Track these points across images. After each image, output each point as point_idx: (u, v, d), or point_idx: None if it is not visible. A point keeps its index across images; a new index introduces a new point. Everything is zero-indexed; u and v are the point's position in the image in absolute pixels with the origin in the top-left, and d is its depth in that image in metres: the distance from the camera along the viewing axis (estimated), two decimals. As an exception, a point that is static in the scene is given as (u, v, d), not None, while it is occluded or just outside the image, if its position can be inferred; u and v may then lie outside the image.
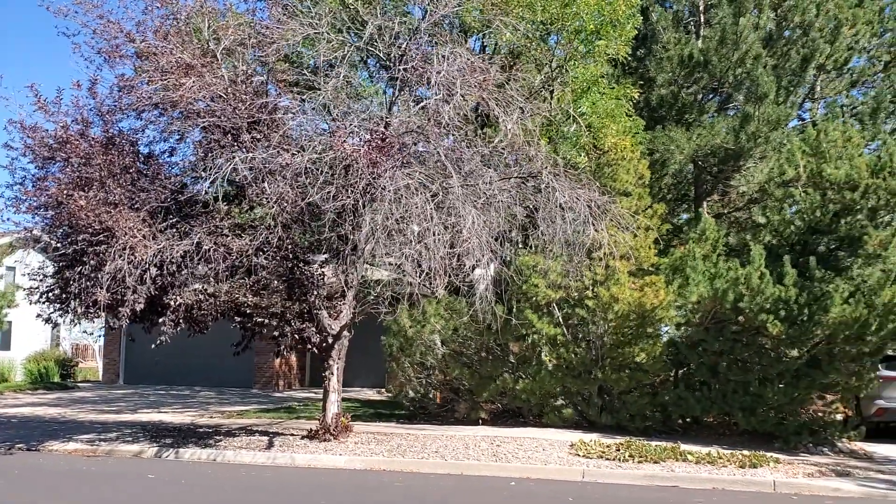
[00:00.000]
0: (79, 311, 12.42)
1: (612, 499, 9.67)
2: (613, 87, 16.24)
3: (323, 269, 12.85)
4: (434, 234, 11.37)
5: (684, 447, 12.07)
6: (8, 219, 12.50)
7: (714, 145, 16.04)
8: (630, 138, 14.96)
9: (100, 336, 33.97)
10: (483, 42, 15.90)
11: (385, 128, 12.25)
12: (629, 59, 15.88)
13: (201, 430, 14.78)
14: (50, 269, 13.41)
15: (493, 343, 15.67)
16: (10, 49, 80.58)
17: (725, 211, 18.89)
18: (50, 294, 12.50)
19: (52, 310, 12.59)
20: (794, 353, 13.73)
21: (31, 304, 13.52)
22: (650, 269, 14.98)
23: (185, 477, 10.73)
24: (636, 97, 15.90)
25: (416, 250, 11.75)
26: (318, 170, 11.65)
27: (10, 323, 26.34)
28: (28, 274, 13.56)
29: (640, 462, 11.31)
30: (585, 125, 15.00)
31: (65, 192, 11.32)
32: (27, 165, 13.12)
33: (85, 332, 35.75)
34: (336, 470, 11.46)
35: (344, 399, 22.32)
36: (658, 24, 16.95)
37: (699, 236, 14.38)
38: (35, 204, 12.29)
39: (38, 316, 12.60)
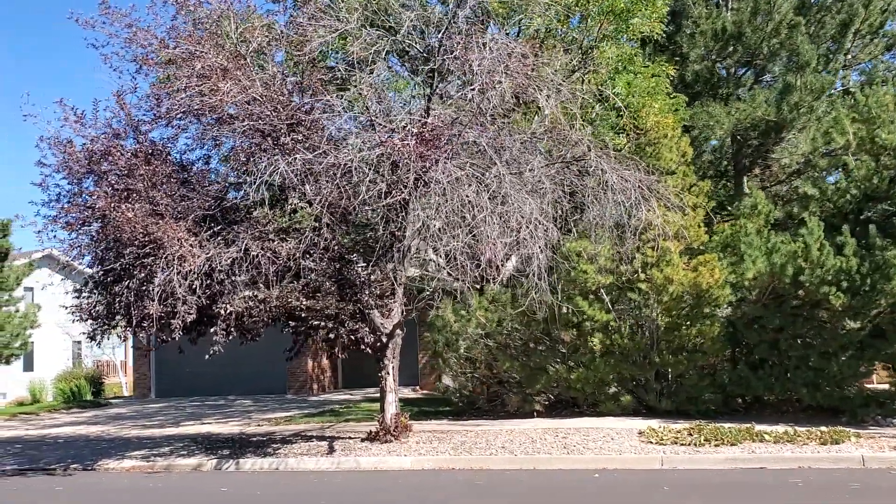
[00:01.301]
0: (129, 325, 12.17)
1: (706, 485, 9.39)
2: (647, 66, 15.92)
3: (373, 268, 12.56)
4: (488, 224, 11.09)
5: (758, 427, 11.77)
6: (54, 236, 12.14)
7: (755, 118, 15.68)
8: (672, 115, 14.63)
9: (114, 350, 33.87)
10: (504, 27, 15.54)
11: (427, 120, 11.97)
12: (662, 36, 15.54)
13: (254, 438, 14.55)
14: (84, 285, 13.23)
15: (541, 333, 15.38)
16: (38, 67, 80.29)
17: (767, 185, 18.54)
18: (93, 311, 12.20)
19: (95, 326, 12.31)
20: (855, 325, 13.43)
21: (73, 322, 13.29)
22: (699, 248, 14.68)
23: (257, 488, 10.47)
24: (672, 74, 15.56)
25: (467, 242, 11.50)
26: (367, 167, 11.37)
27: (32, 343, 26.17)
28: (70, 292, 13.36)
29: (716, 446, 11.03)
30: (623, 105, 14.67)
31: (112, 204, 11.03)
32: (60, 182, 12.94)
33: (111, 347, 35.65)
34: (405, 471, 11.20)
35: (377, 399, 22.25)
36: (688, -1, 16.63)
37: (751, 211, 14.04)
38: (76, 219, 12.04)
39: (84, 334, 12.33)
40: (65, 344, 33.26)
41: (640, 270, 14.36)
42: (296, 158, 11.56)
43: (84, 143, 12.46)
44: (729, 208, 14.62)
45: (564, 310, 14.63)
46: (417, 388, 25.13)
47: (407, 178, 11.20)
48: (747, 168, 17.82)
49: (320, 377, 26.34)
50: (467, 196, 11.02)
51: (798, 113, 15.41)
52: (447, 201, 11.18)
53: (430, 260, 13.54)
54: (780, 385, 13.77)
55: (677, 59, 16.58)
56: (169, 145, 12.72)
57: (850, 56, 15.84)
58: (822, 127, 14.46)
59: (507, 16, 14.50)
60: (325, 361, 26.54)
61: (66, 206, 12.67)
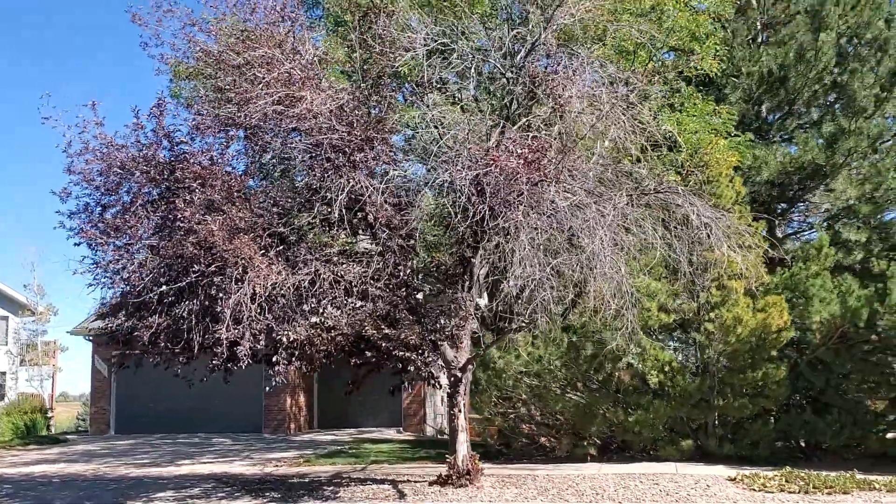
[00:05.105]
0: (187, 351, 10.96)
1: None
2: (696, 104, 15.78)
3: (458, 297, 11.74)
4: (603, 253, 10.48)
5: (858, 476, 11.37)
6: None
7: (804, 161, 15.69)
8: (738, 154, 14.44)
9: (42, 383, 31.65)
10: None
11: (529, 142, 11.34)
12: (718, 74, 15.46)
13: (294, 480, 13.36)
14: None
15: (593, 371, 14.76)
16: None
17: (802, 229, 18.64)
18: (157, 336, 10.85)
19: (162, 352, 11.00)
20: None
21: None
22: (757, 288, 14.41)
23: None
24: (734, 113, 15.46)
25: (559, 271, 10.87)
26: (471, 186, 10.63)
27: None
28: (98, 313, 12.09)
29: (829, 494, 10.53)
30: (685, 142, 14.40)
31: (196, 217, 9.90)
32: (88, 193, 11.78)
33: (38, 379, 33.41)
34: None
35: (374, 440, 21.17)
36: (734, 40, 16.64)
37: (817, 253, 13.85)
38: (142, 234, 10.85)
39: (156, 364, 11.05)
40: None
41: (702, 310, 13.97)
42: (391, 175, 10.76)
43: (141, 150, 11.37)
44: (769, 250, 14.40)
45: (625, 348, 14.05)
46: (401, 429, 24.16)
47: (511, 199, 10.50)
48: (786, 210, 17.86)
49: (297, 416, 24.95)
50: (583, 221, 10.38)
51: (851, 158, 15.51)
52: (557, 226, 10.53)
53: (502, 291, 12.80)
54: (847, 431, 13.48)
55: (720, 99, 16.53)
56: (235, 158, 11.71)
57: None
58: (874, 171, 14.56)
59: (583, 41, 14.10)
60: (301, 399, 25.22)
61: (106, 217, 11.51)
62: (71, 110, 11.90)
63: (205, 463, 16.60)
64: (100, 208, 11.82)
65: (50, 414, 28.19)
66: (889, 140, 16.17)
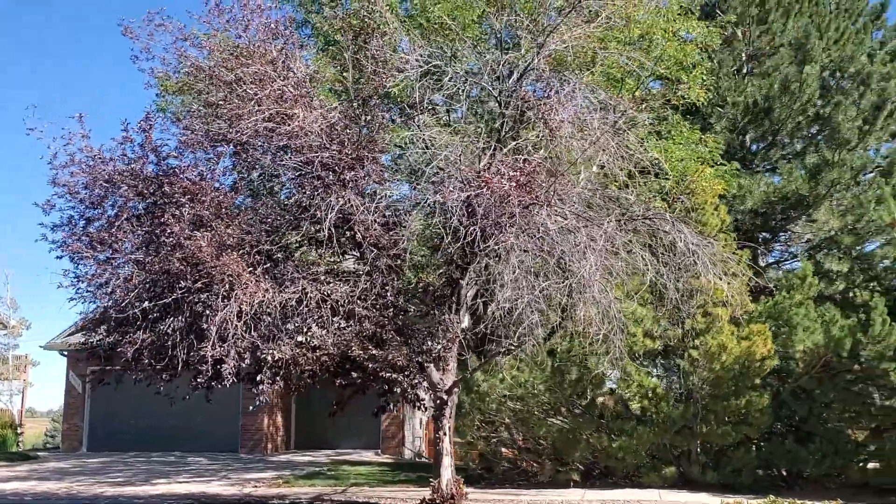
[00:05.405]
0: (171, 368, 10.78)
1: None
2: (682, 132, 15.93)
3: (446, 318, 11.67)
4: (592, 278, 10.49)
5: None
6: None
7: (788, 191, 15.88)
8: (724, 182, 14.59)
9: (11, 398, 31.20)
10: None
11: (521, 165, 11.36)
12: (704, 104, 15.65)
13: (274, 502, 13.18)
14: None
15: (576, 396, 14.72)
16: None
17: (784, 259, 18.83)
18: (141, 353, 10.66)
19: (145, 369, 10.81)
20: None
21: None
22: (742, 316, 14.48)
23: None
24: (721, 142, 15.63)
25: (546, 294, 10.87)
26: (462, 207, 10.62)
27: None
28: (78, 327, 11.87)
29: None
30: (671, 169, 14.51)
31: (186, 231, 9.79)
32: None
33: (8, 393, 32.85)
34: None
35: (353, 462, 20.94)
36: (720, 70, 16.87)
37: (801, 282, 13.98)
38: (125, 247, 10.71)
39: (139, 380, 10.85)
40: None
41: (687, 336, 14.02)
42: (382, 195, 10.74)
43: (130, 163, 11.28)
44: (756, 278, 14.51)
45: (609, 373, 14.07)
46: (379, 451, 23.90)
47: (503, 221, 10.51)
48: (769, 240, 18.03)
49: (274, 436, 24.62)
50: (574, 245, 10.39)
51: (835, 189, 15.72)
52: (548, 249, 10.54)
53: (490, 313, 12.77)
54: (829, 460, 13.53)
55: (705, 128, 16.71)
56: (225, 174, 11.64)
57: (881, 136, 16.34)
58: (856, 203, 14.77)
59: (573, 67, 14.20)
60: (279, 420, 24.89)
61: (90, 231, 11.39)
62: (57, 122, 11.88)
63: (181, 482, 16.31)
64: (84, 221, 11.68)
65: (20, 430, 27.66)
66: (871, 172, 16.43)
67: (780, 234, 18.05)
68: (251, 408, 10.79)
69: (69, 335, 23.66)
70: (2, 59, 72.50)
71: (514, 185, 10.68)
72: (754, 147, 17.91)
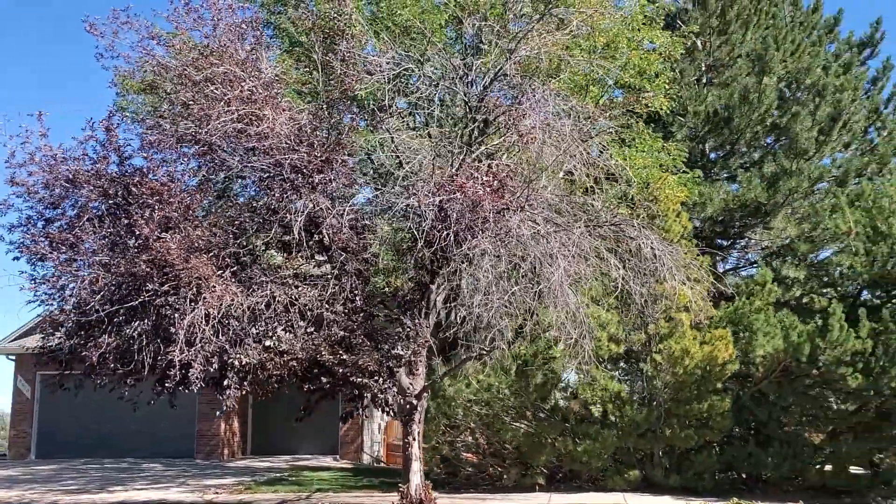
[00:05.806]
0: (135, 372, 10.54)
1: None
2: (645, 140, 16.14)
3: (416, 323, 11.64)
4: (563, 283, 10.55)
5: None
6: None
7: (747, 199, 16.22)
8: (686, 190, 14.82)
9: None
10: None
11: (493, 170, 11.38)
12: (666, 112, 15.88)
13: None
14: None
15: (539, 401, 14.79)
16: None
17: (741, 265, 19.22)
18: (106, 357, 10.37)
19: (109, 374, 10.53)
20: (853, 407, 13.78)
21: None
22: (704, 321, 14.71)
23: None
24: (684, 150, 15.88)
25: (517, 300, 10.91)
26: (432, 212, 10.58)
27: None
28: (37, 330, 11.53)
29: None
30: (635, 176, 14.68)
31: (155, 233, 9.57)
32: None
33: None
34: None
35: (313, 468, 20.71)
36: (682, 79, 17.15)
37: (760, 288, 14.27)
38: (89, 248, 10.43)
39: (102, 385, 10.55)
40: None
41: (651, 341, 14.19)
42: (352, 198, 10.67)
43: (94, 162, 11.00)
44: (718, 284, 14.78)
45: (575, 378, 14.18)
46: (338, 456, 23.68)
47: (476, 225, 10.51)
48: (727, 246, 18.39)
49: (231, 441, 24.22)
50: (545, 250, 10.44)
51: (792, 198, 16.09)
52: (521, 254, 10.57)
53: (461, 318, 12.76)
54: (788, 463, 13.81)
55: (667, 136, 16.96)
56: (192, 175, 11.42)
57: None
58: (812, 211, 15.16)
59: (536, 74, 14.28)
60: (235, 425, 24.51)
61: (50, 231, 11.09)
62: (15, 119, 11.62)
63: (139, 489, 15.92)
64: (43, 222, 11.37)
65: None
66: (826, 181, 16.87)
67: (738, 241, 18.45)
68: (218, 413, 10.55)
69: (16, 339, 22.97)
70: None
71: (488, 189, 10.68)
72: (714, 155, 18.29)
